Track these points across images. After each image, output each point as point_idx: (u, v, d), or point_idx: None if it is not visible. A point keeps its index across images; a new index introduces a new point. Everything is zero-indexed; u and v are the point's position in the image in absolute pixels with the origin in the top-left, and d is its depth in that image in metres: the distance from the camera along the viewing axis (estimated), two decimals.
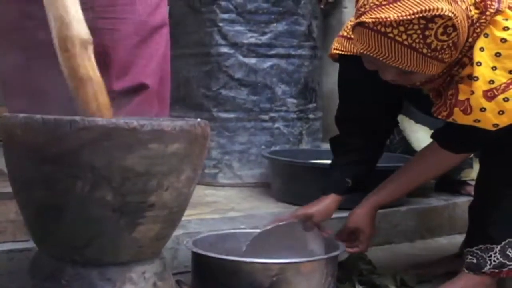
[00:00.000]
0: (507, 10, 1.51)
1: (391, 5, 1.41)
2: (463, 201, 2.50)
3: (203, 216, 2.15)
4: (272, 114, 2.81)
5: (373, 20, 1.42)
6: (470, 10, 1.48)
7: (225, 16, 2.77)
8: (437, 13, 1.39)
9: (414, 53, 1.44)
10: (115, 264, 1.25)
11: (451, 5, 1.40)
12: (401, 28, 1.41)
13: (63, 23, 1.28)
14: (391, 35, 1.42)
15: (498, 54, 1.48)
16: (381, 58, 1.48)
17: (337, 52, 1.81)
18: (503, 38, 1.48)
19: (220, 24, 2.77)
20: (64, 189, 1.18)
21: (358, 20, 1.47)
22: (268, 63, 2.80)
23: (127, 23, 1.67)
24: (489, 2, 1.50)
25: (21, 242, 1.69)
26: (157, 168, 1.19)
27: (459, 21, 1.42)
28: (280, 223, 1.78)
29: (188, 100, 2.86)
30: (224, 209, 2.30)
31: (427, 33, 1.41)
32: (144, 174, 1.18)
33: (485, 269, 1.70)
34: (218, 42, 2.77)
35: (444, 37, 1.42)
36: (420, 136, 2.53)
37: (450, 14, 1.39)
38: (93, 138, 1.14)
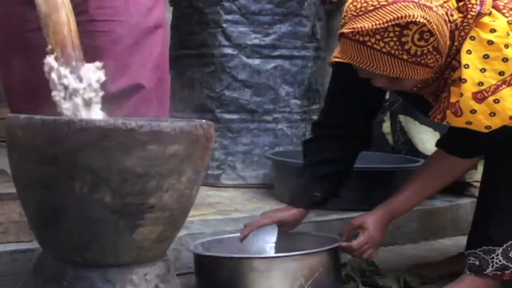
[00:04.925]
0: (494, 12, 1.53)
1: (367, 15, 1.47)
2: (466, 203, 2.49)
3: (206, 217, 2.15)
4: (275, 115, 2.81)
5: (351, 30, 1.48)
6: (453, 15, 1.51)
7: (229, 17, 2.77)
8: (410, 20, 1.43)
9: (394, 60, 1.48)
10: (116, 266, 1.25)
11: (425, 11, 1.45)
12: (378, 36, 1.46)
13: None
14: (369, 43, 1.47)
15: (486, 56, 1.49)
16: (364, 67, 1.52)
17: (337, 60, 1.81)
18: (490, 40, 1.49)
19: (224, 25, 2.77)
20: (64, 190, 1.18)
21: (339, 31, 1.53)
22: (271, 64, 2.79)
23: (121, 25, 1.68)
24: (470, 6, 1.52)
25: (24, 243, 1.70)
26: (156, 169, 1.18)
27: (434, 26, 1.45)
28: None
29: (191, 101, 2.86)
30: (227, 210, 2.30)
31: (403, 39, 1.45)
32: (143, 176, 1.17)
33: (487, 271, 1.69)
34: (222, 43, 2.77)
35: (422, 43, 1.46)
36: (424, 137, 2.53)
37: (423, 20, 1.44)
38: (91, 139, 1.14)
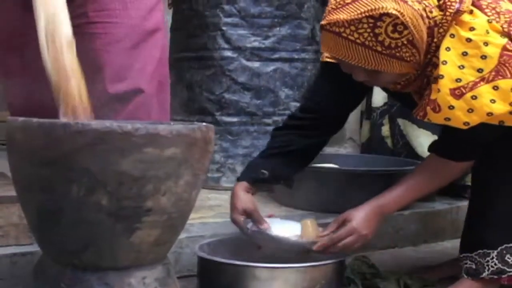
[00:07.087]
0: (476, 10, 1.55)
1: (344, 8, 1.51)
2: (466, 205, 2.47)
3: (206, 219, 2.16)
4: (275, 118, 2.81)
5: (328, 21, 1.53)
6: (432, 12, 1.54)
7: (229, 20, 2.77)
8: (383, 12, 1.47)
9: (369, 51, 1.51)
10: (114, 269, 1.25)
11: (399, 4, 1.48)
12: (352, 28, 1.50)
13: (54, 21, 1.34)
14: (344, 34, 1.51)
15: (465, 53, 1.51)
16: (341, 58, 1.56)
17: (327, 60, 1.83)
18: (468, 38, 1.51)
19: (224, 28, 2.78)
20: (61, 192, 1.18)
21: (319, 24, 1.57)
22: (271, 67, 2.80)
23: (120, 27, 1.68)
24: (449, 3, 1.55)
25: (24, 246, 1.69)
26: (153, 172, 1.18)
27: (408, 19, 1.48)
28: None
29: (191, 104, 2.86)
30: (227, 213, 2.27)
31: (377, 31, 1.49)
32: (140, 179, 1.17)
33: (484, 274, 1.69)
34: (222, 46, 2.77)
35: (396, 35, 1.49)
36: (422, 140, 2.53)
37: (395, 13, 1.47)
38: (87, 142, 1.14)
